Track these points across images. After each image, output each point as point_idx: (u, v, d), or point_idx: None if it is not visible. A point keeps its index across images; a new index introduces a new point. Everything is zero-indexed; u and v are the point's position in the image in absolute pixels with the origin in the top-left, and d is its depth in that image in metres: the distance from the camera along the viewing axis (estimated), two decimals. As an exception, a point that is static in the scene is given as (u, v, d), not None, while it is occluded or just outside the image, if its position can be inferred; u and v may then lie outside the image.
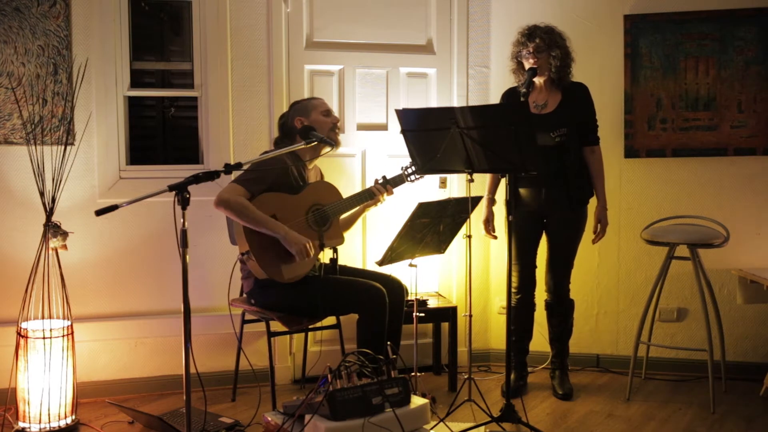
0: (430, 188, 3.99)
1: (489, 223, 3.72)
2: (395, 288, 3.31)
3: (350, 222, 3.52)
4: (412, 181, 3.53)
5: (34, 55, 3.51)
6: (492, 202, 3.72)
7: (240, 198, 3.09)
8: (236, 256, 3.31)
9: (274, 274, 3.15)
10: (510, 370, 3.33)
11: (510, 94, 3.67)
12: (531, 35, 3.48)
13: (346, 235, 3.46)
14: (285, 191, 3.24)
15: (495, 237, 3.73)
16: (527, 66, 3.49)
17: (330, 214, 3.33)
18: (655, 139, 3.97)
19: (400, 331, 3.35)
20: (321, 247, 3.30)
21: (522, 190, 3.59)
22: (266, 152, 3.32)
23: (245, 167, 2.74)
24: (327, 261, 3.41)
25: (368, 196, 3.42)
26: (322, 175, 3.60)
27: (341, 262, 3.46)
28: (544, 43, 3.45)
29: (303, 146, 3.19)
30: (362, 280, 3.25)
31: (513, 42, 3.57)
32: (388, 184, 3.48)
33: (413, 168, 3.49)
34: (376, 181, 3.49)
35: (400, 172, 3.52)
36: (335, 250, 3.40)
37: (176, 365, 3.74)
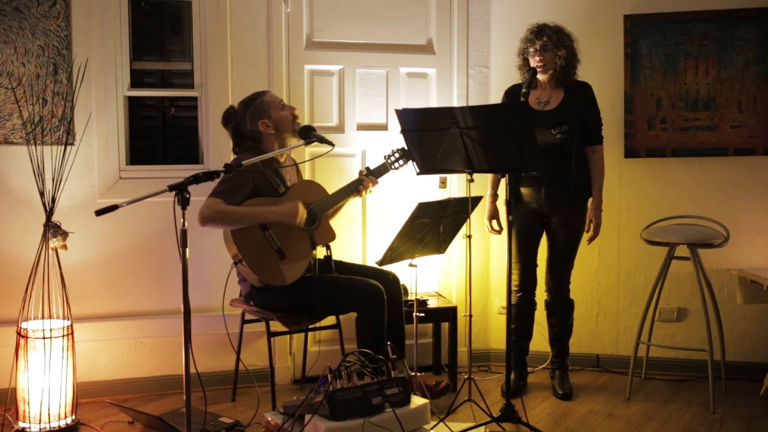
0: (430, 188, 3.98)
1: (493, 219, 3.72)
2: (392, 283, 3.31)
3: (334, 212, 3.48)
4: (396, 168, 3.47)
5: (34, 55, 3.51)
6: (495, 197, 3.72)
7: (218, 205, 3.07)
8: (230, 264, 3.29)
9: (268, 279, 3.14)
10: (510, 370, 3.34)
11: (513, 91, 3.66)
12: (539, 33, 3.48)
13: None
14: (268, 194, 3.20)
15: (498, 232, 3.73)
16: (532, 63, 3.50)
17: (318, 212, 3.30)
18: (655, 139, 3.97)
19: (402, 324, 3.34)
20: (313, 246, 3.28)
21: (523, 189, 3.59)
22: (234, 161, 3.22)
23: (244, 167, 2.74)
24: (322, 259, 3.39)
25: (354, 189, 3.37)
26: (299, 171, 3.56)
27: (338, 258, 3.45)
28: (551, 42, 3.45)
29: (303, 145, 3.18)
30: (359, 279, 3.24)
31: (521, 38, 3.57)
32: (372, 175, 3.43)
33: (396, 155, 3.45)
34: (361, 172, 3.45)
35: (383, 161, 3.47)
36: (328, 247, 3.39)
37: (176, 365, 3.74)
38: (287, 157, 3.46)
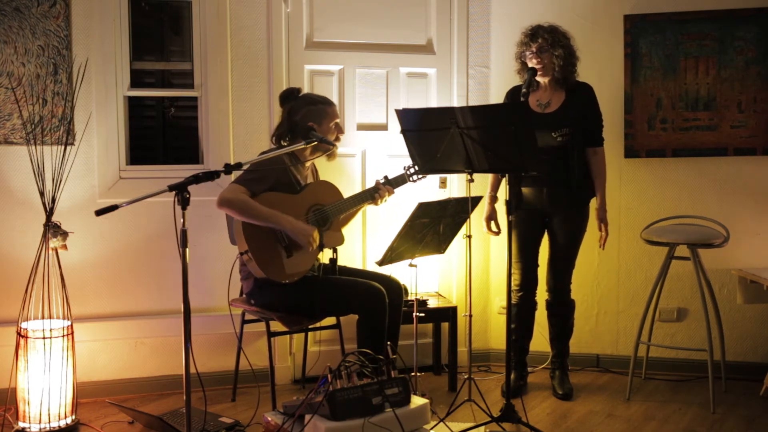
0: (430, 188, 3.98)
1: (490, 221, 3.72)
2: (394, 289, 3.31)
3: (347, 218, 3.49)
4: (414, 181, 3.50)
5: (34, 55, 3.51)
6: (494, 199, 3.72)
7: (242, 195, 3.09)
8: (236, 256, 3.31)
9: (272, 274, 3.14)
10: (510, 370, 3.33)
11: (513, 93, 3.67)
12: (534, 35, 3.48)
13: (345, 232, 3.44)
14: (284, 191, 3.22)
15: (496, 233, 3.73)
16: (530, 66, 3.50)
17: (330, 215, 3.32)
18: (655, 139, 3.97)
19: (398, 332, 3.34)
20: (320, 248, 3.29)
21: (524, 189, 3.59)
22: (265, 151, 3.29)
23: (245, 167, 2.74)
24: (326, 261, 3.39)
25: (369, 196, 3.39)
26: (317, 173, 3.57)
27: (341, 262, 3.45)
28: (546, 43, 3.45)
29: (303, 146, 3.18)
30: (362, 281, 3.24)
31: (517, 42, 3.57)
32: (389, 185, 3.45)
33: (416, 168, 3.45)
34: (378, 182, 3.46)
35: (402, 172, 3.49)
36: (335, 250, 3.39)
37: (176, 365, 3.74)
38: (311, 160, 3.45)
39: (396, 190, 3.48)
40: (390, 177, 3.48)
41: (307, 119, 3.30)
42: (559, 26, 3.51)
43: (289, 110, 3.36)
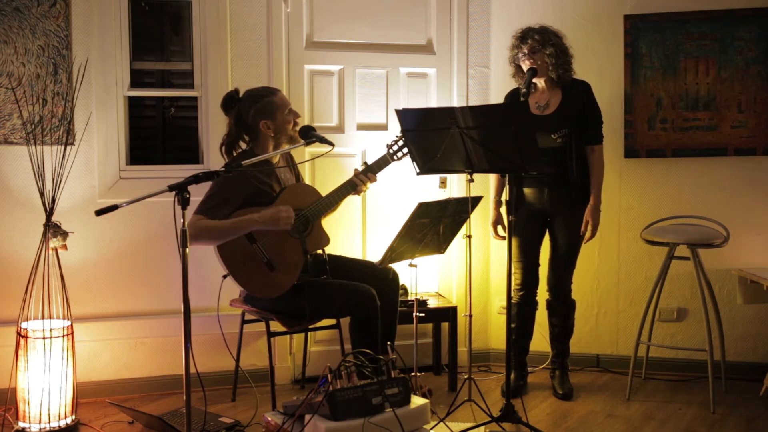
0: (430, 188, 3.98)
1: (497, 225, 3.71)
2: (389, 282, 3.27)
3: (328, 213, 3.39)
4: (399, 158, 3.35)
5: (34, 55, 3.51)
6: (499, 204, 3.71)
7: (199, 222, 2.98)
8: (221, 277, 3.27)
9: (258, 292, 3.12)
10: (510, 370, 3.33)
11: (513, 95, 3.67)
12: (524, 37, 3.49)
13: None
14: (258, 203, 3.12)
15: (504, 239, 3.72)
16: (525, 68, 3.50)
17: (310, 217, 3.21)
18: (655, 139, 3.97)
19: (395, 327, 3.30)
20: (305, 254, 3.21)
21: (525, 189, 3.59)
22: (225, 166, 3.15)
23: (245, 166, 2.73)
24: (316, 262, 3.34)
25: (350, 188, 3.28)
26: (298, 172, 3.48)
27: (339, 252, 3.41)
28: (537, 43, 3.46)
29: (302, 145, 3.16)
30: (352, 284, 3.18)
31: (509, 46, 3.58)
32: (370, 171, 3.31)
33: (399, 144, 3.32)
34: (356, 170, 3.35)
35: (384, 153, 3.34)
36: (323, 251, 3.34)
37: (176, 365, 3.74)
38: (280, 158, 3.38)
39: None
40: (370, 162, 3.36)
41: (259, 118, 3.19)
42: (549, 26, 3.51)
43: (238, 115, 3.23)
